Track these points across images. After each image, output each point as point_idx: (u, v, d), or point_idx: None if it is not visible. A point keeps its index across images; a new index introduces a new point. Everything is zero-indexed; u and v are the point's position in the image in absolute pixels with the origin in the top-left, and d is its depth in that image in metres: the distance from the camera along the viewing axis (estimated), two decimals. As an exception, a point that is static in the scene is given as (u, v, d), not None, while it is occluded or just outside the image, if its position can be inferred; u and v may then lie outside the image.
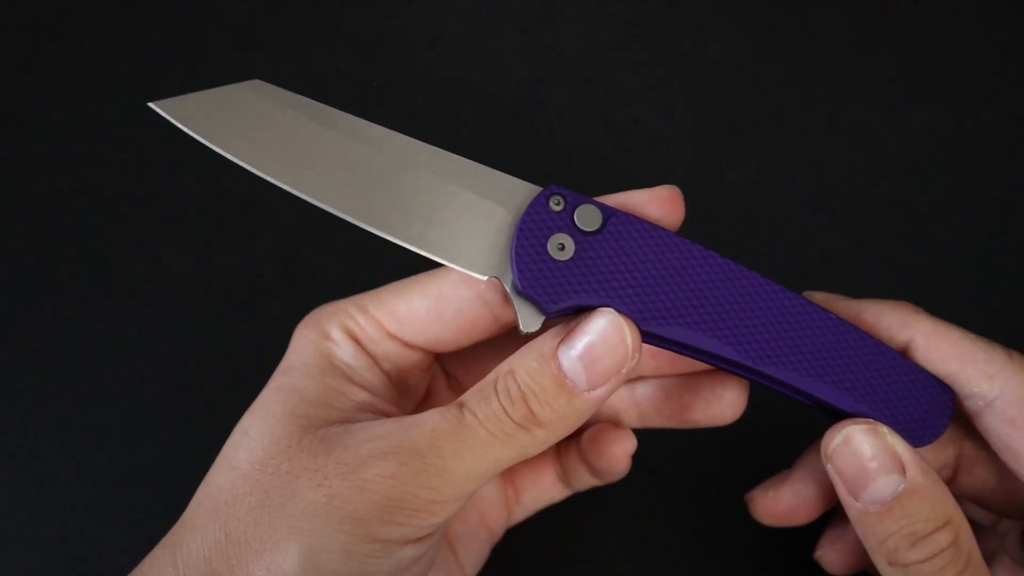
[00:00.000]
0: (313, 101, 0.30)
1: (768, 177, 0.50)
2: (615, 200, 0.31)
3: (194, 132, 0.29)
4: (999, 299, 0.47)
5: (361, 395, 0.31)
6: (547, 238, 0.29)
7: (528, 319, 0.29)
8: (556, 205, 0.29)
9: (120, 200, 0.48)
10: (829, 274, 0.47)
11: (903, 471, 0.29)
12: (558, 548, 0.41)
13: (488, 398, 0.28)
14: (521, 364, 0.28)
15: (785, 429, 0.40)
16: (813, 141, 0.51)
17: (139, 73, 0.52)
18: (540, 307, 0.29)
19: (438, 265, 0.30)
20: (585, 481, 0.38)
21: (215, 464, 0.30)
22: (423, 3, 0.55)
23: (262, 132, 0.29)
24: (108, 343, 0.45)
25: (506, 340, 0.34)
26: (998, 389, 0.31)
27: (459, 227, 0.29)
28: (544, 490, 0.38)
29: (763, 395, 0.35)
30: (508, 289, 0.29)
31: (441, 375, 0.37)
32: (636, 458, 0.37)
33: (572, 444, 0.37)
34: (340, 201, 0.29)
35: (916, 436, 0.31)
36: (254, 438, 0.29)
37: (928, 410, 0.31)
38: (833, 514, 0.37)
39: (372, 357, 0.32)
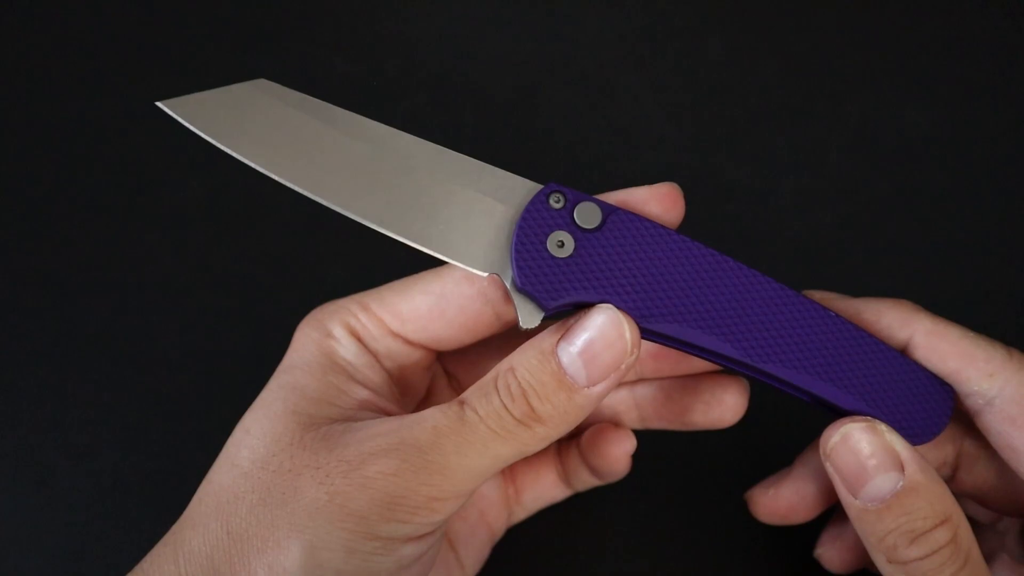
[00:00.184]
0: (317, 100, 0.30)
1: (768, 176, 0.50)
2: (615, 198, 0.31)
3: (200, 130, 0.29)
4: (999, 299, 0.47)
5: (363, 393, 0.31)
6: (547, 235, 0.29)
7: (528, 316, 0.29)
8: (556, 202, 0.29)
9: (121, 200, 0.48)
10: (829, 273, 0.48)
11: (901, 469, 0.29)
12: (558, 548, 0.41)
13: (489, 395, 0.28)
14: (521, 361, 0.28)
15: (784, 428, 0.40)
16: (813, 141, 0.51)
17: (139, 73, 0.52)
18: (540, 304, 0.29)
19: (439, 263, 0.30)
20: (585, 481, 0.38)
21: (217, 462, 0.30)
22: (423, 3, 0.55)
23: (267, 130, 0.30)
24: (108, 343, 0.45)
25: (507, 340, 0.34)
26: (998, 387, 0.31)
27: (460, 224, 0.29)
28: (545, 490, 0.38)
29: (763, 394, 0.35)
30: (508, 286, 0.29)
31: (442, 374, 0.37)
32: (636, 458, 0.37)
33: (573, 444, 0.37)
34: (342, 198, 0.29)
35: (915, 434, 0.31)
36: (256, 436, 0.29)
37: (928, 408, 0.31)
38: (833, 512, 0.37)
39: (374, 355, 0.32)
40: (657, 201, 0.31)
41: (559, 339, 0.28)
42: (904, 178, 0.50)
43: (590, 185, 0.31)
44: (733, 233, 0.48)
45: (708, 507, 0.42)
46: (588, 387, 0.28)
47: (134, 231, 0.48)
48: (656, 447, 0.39)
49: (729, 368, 0.31)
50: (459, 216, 0.29)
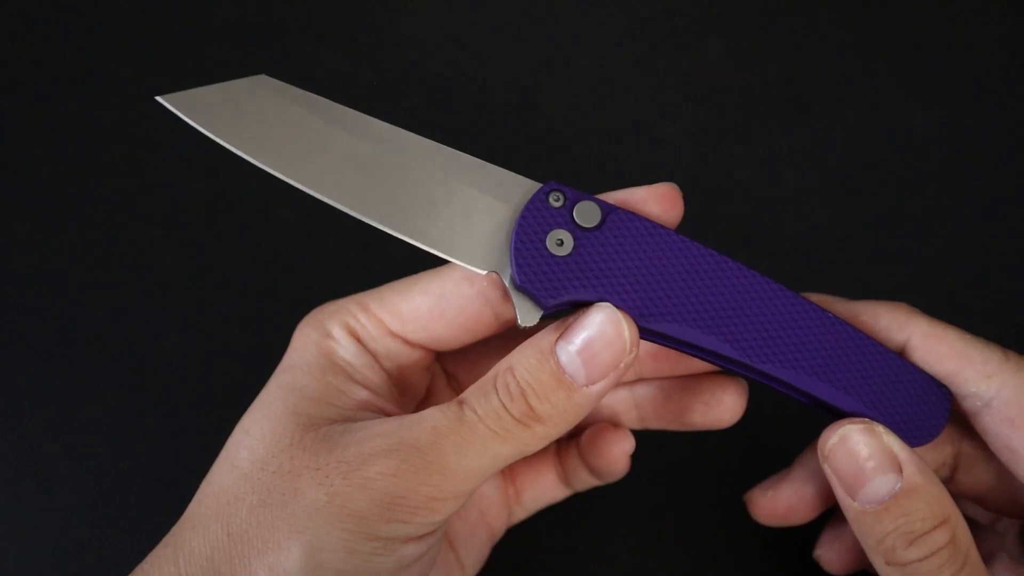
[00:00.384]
0: (318, 96, 0.30)
1: (767, 177, 0.50)
2: (614, 197, 0.31)
3: (200, 126, 0.29)
4: (999, 299, 0.47)
5: (362, 393, 0.31)
6: (546, 234, 0.29)
7: (526, 314, 0.29)
8: (556, 201, 0.29)
9: (120, 199, 0.48)
10: (828, 274, 0.48)
11: (900, 470, 0.29)
12: (558, 548, 0.41)
13: (487, 394, 0.28)
14: (520, 360, 0.28)
15: (783, 429, 0.41)
16: (812, 141, 0.51)
17: (138, 74, 0.52)
18: (538, 302, 0.29)
19: (439, 263, 0.30)
20: (585, 481, 0.38)
21: (216, 463, 0.30)
22: (423, 3, 0.55)
23: (267, 126, 0.30)
24: (108, 343, 0.45)
25: (506, 340, 0.34)
26: (995, 389, 0.31)
27: (460, 222, 0.29)
28: (544, 490, 0.38)
29: (762, 395, 0.35)
30: (507, 284, 0.29)
31: (441, 375, 0.37)
32: (636, 458, 0.37)
33: (572, 444, 0.37)
34: (342, 195, 0.29)
35: (913, 436, 0.31)
36: (255, 437, 0.29)
37: (925, 410, 0.31)
38: (832, 513, 0.37)
39: (373, 355, 0.32)
40: (656, 201, 0.31)
41: (558, 338, 0.28)
42: (904, 178, 0.50)
43: (589, 185, 0.31)
44: (733, 233, 0.48)
45: (707, 507, 0.42)
46: (587, 386, 0.28)
47: (134, 231, 0.48)
48: (655, 448, 0.39)
49: (728, 369, 0.31)
50: (459, 214, 0.30)
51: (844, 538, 0.36)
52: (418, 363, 0.34)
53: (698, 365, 0.35)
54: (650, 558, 0.41)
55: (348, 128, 0.30)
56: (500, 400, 0.28)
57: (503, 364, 0.29)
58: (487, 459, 0.28)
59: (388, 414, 0.32)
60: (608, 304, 0.29)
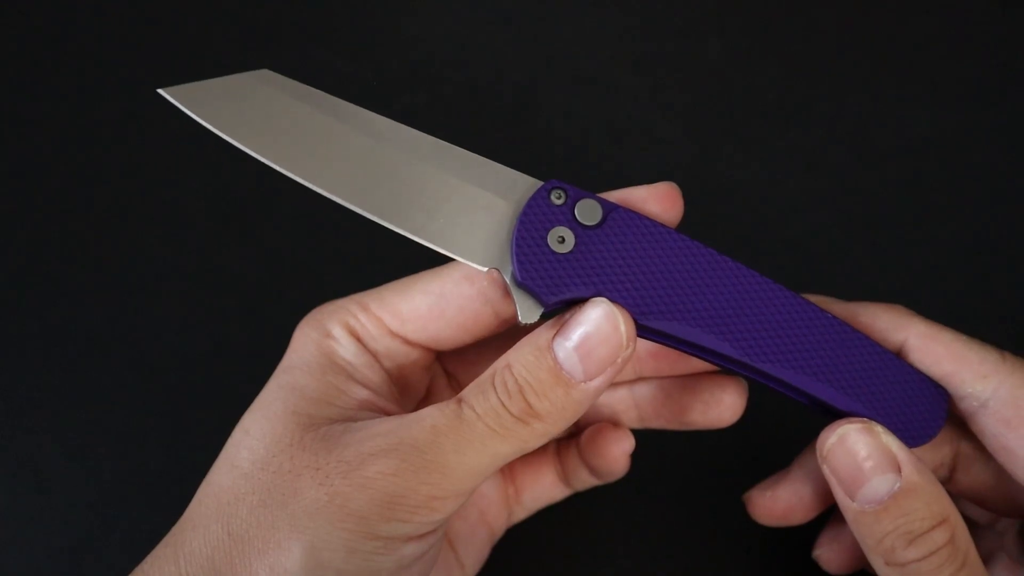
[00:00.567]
0: (320, 91, 0.30)
1: (767, 177, 0.50)
2: (615, 196, 0.31)
3: (201, 119, 0.29)
4: (999, 299, 0.47)
5: (362, 393, 0.31)
6: (547, 231, 0.29)
7: (527, 311, 0.29)
8: (557, 199, 0.29)
9: (120, 199, 0.48)
10: (828, 274, 0.48)
11: (898, 470, 0.29)
12: (558, 548, 0.41)
13: (486, 392, 0.28)
14: (517, 358, 0.28)
15: (783, 428, 0.41)
16: (813, 141, 0.51)
17: (138, 74, 0.52)
18: (539, 299, 0.29)
19: (439, 263, 0.30)
20: (585, 481, 0.38)
21: (216, 463, 0.30)
22: (423, 3, 0.55)
23: (269, 120, 0.30)
24: (108, 343, 0.45)
25: (506, 339, 0.34)
26: (992, 389, 0.31)
27: (461, 218, 0.29)
28: (544, 489, 0.38)
29: (762, 395, 0.35)
30: (508, 280, 0.29)
31: (442, 374, 0.37)
32: (635, 458, 0.37)
33: (572, 444, 0.37)
34: (344, 190, 0.29)
35: (911, 436, 0.31)
36: (255, 437, 0.29)
37: (923, 411, 0.31)
38: (831, 513, 0.37)
39: (373, 355, 0.32)
40: (656, 200, 0.31)
41: (554, 335, 0.28)
42: (904, 178, 0.50)
43: (589, 185, 0.31)
44: (732, 233, 0.48)
45: (707, 507, 0.42)
46: (585, 382, 0.28)
47: (134, 231, 0.48)
48: (655, 447, 0.39)
49: (727, 368, 0.31)
50: (460, 210, 0.30)
51: (843, 538, 0.36)
52: (418, 363, 0.34)
53: (698, 364, 0.35)
54: (650, 558, 0.41)
55: (350, 123, 0.30)
56: (499, 398, 0.28)
57: (501, 362, 0.29)
58: (486, 457, 0.28)
59: (388, 414, 0.32)
60: (604, 300, 0.29)
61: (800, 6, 0.55)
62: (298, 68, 0.53)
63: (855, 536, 0.31)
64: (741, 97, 0.52)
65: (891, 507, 0.29)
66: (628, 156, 0.51)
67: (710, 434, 0.37)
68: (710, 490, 0.42)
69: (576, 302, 0.29)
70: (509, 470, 0.38)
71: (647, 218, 0.30)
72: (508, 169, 0.30)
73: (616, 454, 0.36)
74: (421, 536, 0.28)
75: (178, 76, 0.52)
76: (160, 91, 0.29)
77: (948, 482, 0.35)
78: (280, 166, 0.29)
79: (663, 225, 0.30)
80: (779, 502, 0.36)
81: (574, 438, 0.37)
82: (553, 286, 0.29)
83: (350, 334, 0.32)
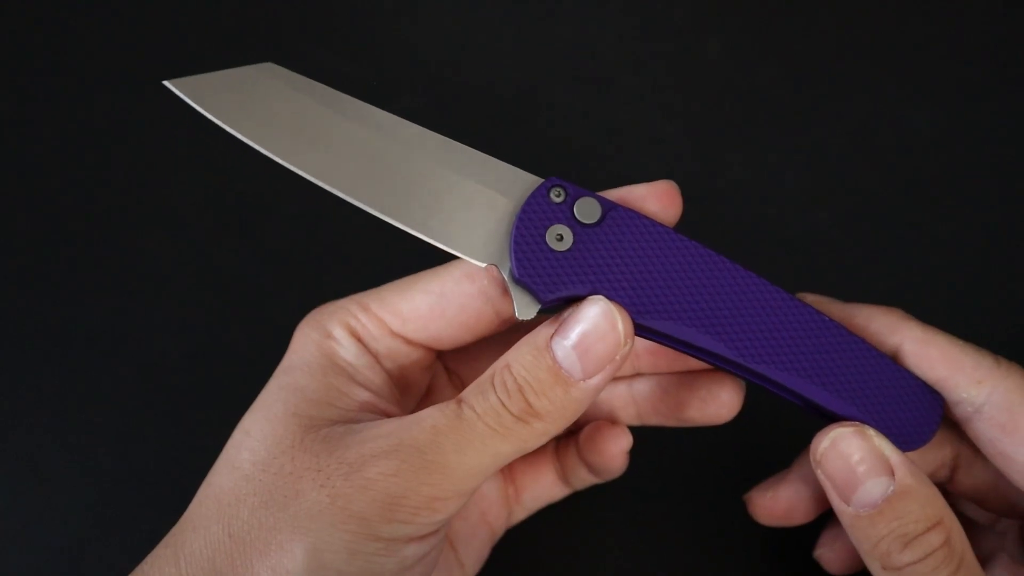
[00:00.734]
0: (323, 86, 0.30)
1: (767, 177, 0.50)
2: (614, 195, 0.31)
3: (205, 110, 0.29)
4: (998, 299, 0.47)
5: (363, 395, 0.31)
6: (546, 228, 0.29)
7: (524, 308, 0.29)
8: (557, 196, 0.30)
9: (120, 200, 0.48)
10: (827, 274, 0.48)
11: (891, 473, 0.29)
12: (558, 548, 0.41)
13: (486, 393, 0.28)
14: (516, 358, 0.28)
15: (783, 429, 0.40)
16: (812, 141, 0.51)
17: (138, 74, 0.52)
18: (537, 296, 0.29)
19: (439, 261, 0.30)
20: (584, 479, 0.38)
21: (216, 464, 0.30)
22: (423, 3, 0.55)
23: (272, 113, 0.30)
24: (108, 343, 0.45)
25: (509, 337, 0.34)
26: (986, 394, 0.31)
27: (461, 214, 0.29)
28: (544, 489, 0.38)
29: (762, 394, 0.35)
30: (506, 277, 0.29)
31: (443, 372, 0.37)
32: (635, 457, 0.37)
33: (570, 442, 0.37)
34: (345, 183, 0.29)
35: (905, 441, 0.31)
36: (256, 438, 0.29)
37: (917, 415, 0.31)
38: (831, 513, 0.37)
39: (374, 355, 0.32)
40: (655, 199, 0.31)
41: (553, 334, 0.28)
42: (904, 178, 0.50)
43: (588, 184, 0.31)
44: (732, 233, 0.48)
45: (707, 507, 0.42)
46: (584, 380, 0.28)
47: (134, 231, 0.48)
48: (654, 447, 0.39)
49: (723, 369, 0.31)
50: (460, 206, 0.30)
51: (844, 538, 0.36)
52: (419, 362, 0.34)
53: (695, 361, 0.35)
54: (650, 558, 0.41)
55: (353, 117, 0.30)
56: (498, 398, 0.28)
57: (500, 362, 0.29)
58: (487, 457, 0.28)
59: (389, 415, 0.32)
60: (601, 297, 0.29)
61: (800, 6, 0.55)
62: (298, 68, 0.53)
63: (853, 543, 0.31)
64: (741, 97, 0.52)
65: (885, 510, 0.29)
66: (628, 156, 0.51)
67: (710, 433, 0.37)
68: (710, 490, 0.42)
69: (574, 300, 0.29)
70: (509, 470, 0.38)
71: (646, 217, 0.30)
72: (508, 166, 0.30)
73: (614, 452, 0.36)
74: (423, 537, 0.28)
75: (178, 76, 0.52)
76: (166, 83, 0.29)
77: (949, 483, 0.35)
78: (281, 158, 0.29)
79: (662, 225, 0.30)
80: (780, 502, 0.36)
81: (572, 437, 0.37)
82: (551, 283, 0.29)
83: (351, 335, 0.32)
